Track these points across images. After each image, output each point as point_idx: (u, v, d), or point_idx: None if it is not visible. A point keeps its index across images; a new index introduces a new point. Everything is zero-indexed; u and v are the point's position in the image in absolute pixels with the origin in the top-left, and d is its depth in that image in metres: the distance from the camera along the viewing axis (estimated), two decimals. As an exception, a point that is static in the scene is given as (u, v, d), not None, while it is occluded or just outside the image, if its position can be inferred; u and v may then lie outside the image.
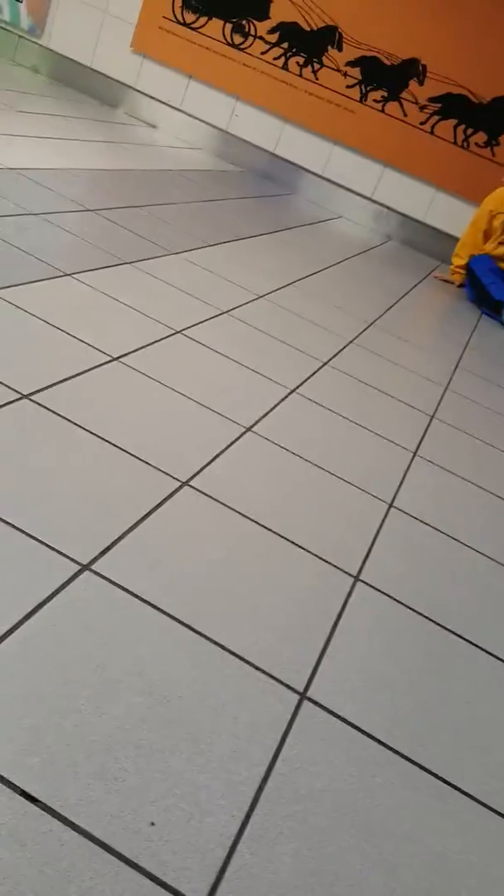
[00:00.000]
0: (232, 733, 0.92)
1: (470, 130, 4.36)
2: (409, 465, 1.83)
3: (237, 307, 2.37)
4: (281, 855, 0.81)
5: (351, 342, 2.51)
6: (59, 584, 1.03)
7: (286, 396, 1.91)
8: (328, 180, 4.71)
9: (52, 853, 0.72)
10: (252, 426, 1.69)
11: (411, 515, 1.60)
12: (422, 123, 4.44)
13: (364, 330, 2.70)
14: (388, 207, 4.65)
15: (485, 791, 1.00)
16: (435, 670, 1.18)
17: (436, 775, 0.99)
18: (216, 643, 1.05)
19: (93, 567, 1.09)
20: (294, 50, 4.56)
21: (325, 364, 2.23)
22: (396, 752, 1.00)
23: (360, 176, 4.64)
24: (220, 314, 2.25)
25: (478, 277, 3.87)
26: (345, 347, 2.44)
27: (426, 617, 1.30)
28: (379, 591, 1.31)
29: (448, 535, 1.59)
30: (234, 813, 0.83)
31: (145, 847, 0.76)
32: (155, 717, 0.90)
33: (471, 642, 1.28)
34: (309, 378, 2.08)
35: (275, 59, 4.61)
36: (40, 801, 0.76)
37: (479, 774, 1.02)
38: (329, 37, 4.48)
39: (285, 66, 4.60)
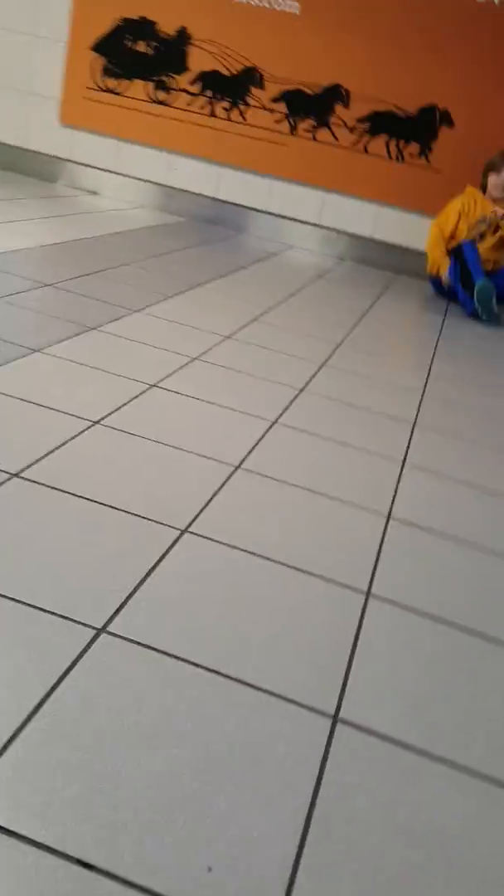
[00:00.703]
0: (272, 767, 0.93)
1: (402, 143, 4.48)
2: (400, 475, 1.85)
3: (206, 351, 2.41)
4: (340, 878, 0.81)
5: (323, 365, 2.55)
6: (78, 652, 1.04)
7: (269, 429, 1.94)
8: (273, 214, 4.80)
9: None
10: (241, 463, 1.71)
11: (410, 523, 1.62)
12: (354, 144, 4.55)
13: (333, 351, 2.74)
14: (335, 230, 4.74)
15: (530, 779, 1.00)
16: (461, 671, 1.19)
17: (482, 775, 1.00)
18: (242, 682, 1.06)
19: (108, 629, 1.10)
20: (218, 96, 4.69)
21: (302, 391, 2.27)
22: (437, 757, 1.01)
23: (303, 204, 4.74)
24: (190, 361, 2.29)
25: (465, 260, 3.88)
26: (317, 371, 2.47)
27: (443, 620, 1.31)
28: (392, 601, 1.33)
29: (450, 537, 1.61)
30: (287, 846, 0.83)
31: (206, 892, 0.76)
32: (194, 765, 0.91)
33: (493, 638, 1.30)
34: (288, 407, 2.11)
35: (201, 108, 4.73)
36: (96, 867, 0.76)
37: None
38: (250, 78, 4.61)
39: (212, 114, 4.72)
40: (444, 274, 4.04)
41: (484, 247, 4.03)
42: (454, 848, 0.88)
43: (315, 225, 4.77)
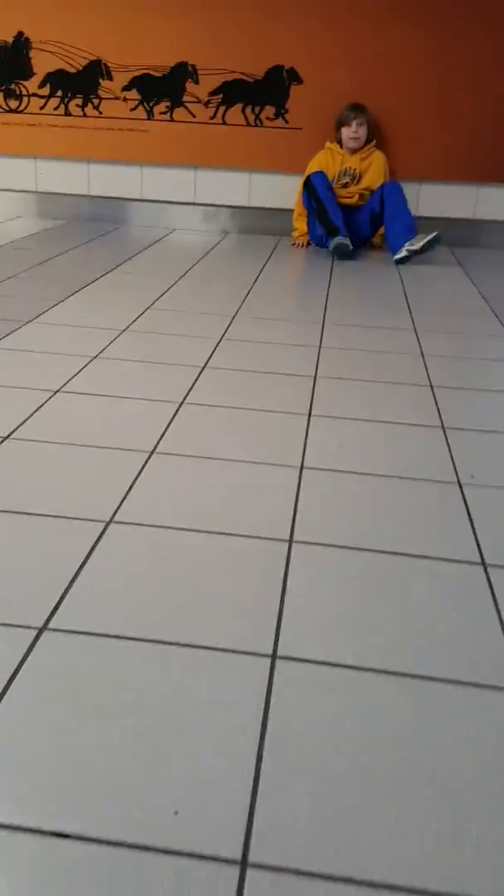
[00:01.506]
0: (220, 714, 1.00)
1: (257, 108, 4.53)
2: (308, 427, 1.93)
3: (105, 348, 2.44)
4: (296, 800, 0.89)
5: (221, 339, 2.61)
6: (23, 653, 1.09)
7: (178, 410, 1.99)
8: (149, 201, 4.82)
9: (95, 866, 0.78)
10: (154, 448, 1.76)
11: (322, 468, 1.71)
12: (212, 118, 4.59)
13: (230, 325, 2.80)
14: (213, 205, 4.78)
15: (457, 672, 1.10)
16: (385, 590, 1.28)
17: (416, 675, 1.09)
18: (183, 644, 1.12)
19: (49, 626, 1.15)
20: (69, 94, 4.66)
21: (204, 368, 2.32)
22: (371, 669, 1.09)
23: (176, 186, 4.76)
24: (91, 360, 2.32)
25: (316, 190, 4.12)
26: (217, 346, 2.53)
27: (364, 548, 1.40)
28: (313, 543, 1.41)
29: (362, 473, 1.70)
30: (244, 779, 0.91)
31: (174, 833, 0.83)
32: (148, 729, 0.97)
33: (412, 555, 1.39)
34: (193, 386, 2.17)
35: (55, 109, 4.70)
36: (71, 835, 0.82)
37: (447, 662, 1.12)
38: (96, 71, 4.59)
39: (67, 112, 4.69)
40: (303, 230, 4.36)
41: (349, 192, 4.26)
42: (398, 747, 0.97)
43: (192, 203, 4.80)
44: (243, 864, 0.81)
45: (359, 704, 1.03)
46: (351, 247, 4.06)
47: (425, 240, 3.97)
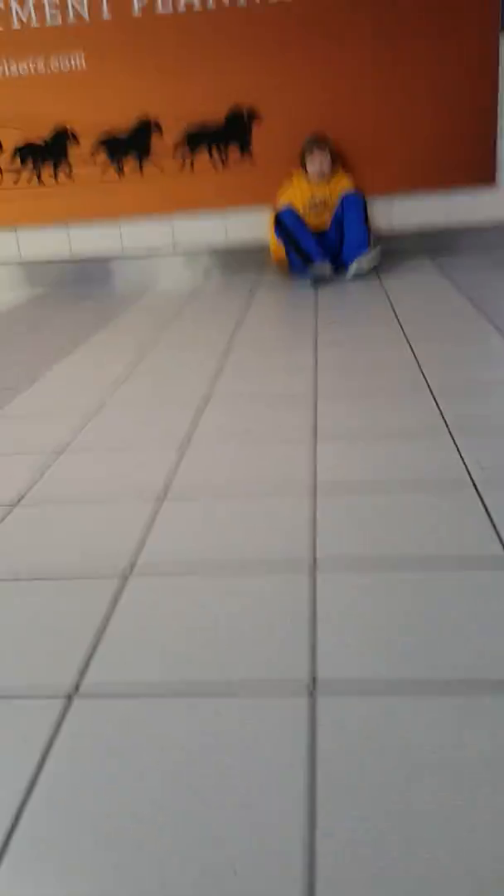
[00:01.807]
0: (266, 759, 0.96)
1: (222, 148, 4.60)
2: (316, 449, 1.90)
3: (105, 403, 2.44)
4: (357, 840, 0.85)
5: (218, 374, 2.60)
6: (54, 723, 1.05)
7: (184, 452, 1.97)
8: (131, 257, 4.87)
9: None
10: (167, 492, 1.74)
11: (336, 488, 1.68)
12: (182, 167, 4.65)
13: (225, 359, 2.80)
14: (193, 251, 4.82)
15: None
16: (416, 601, 1.24)
17: (456, 682, 1.04)
18: (220, 694, 1.08)
19: (80, 691, 1.11)
20: (40, 164, 4.74)
21: (203, 410, 2.31)
22: (411, 681, 1.05)
23: (156, 237, 4.82)
24: (94, 415, 2.31)
25: (287, 227, 4.19)
26: (216, 381, 2.52)
27: (388, 562, 1.36)
28: (337, 563, 1.37)
29: (375, 487, 1.66)
30: (300, 822, 0.86)
31: (237, 892, 0.79)
32: (194, 777, 0.93)
33: (435, 561, 1.35)
34: (194, 430, 2.15)
35: (28, 181, 4.78)
36: (125, 909, 0.78)
37: (493, 664, 1.08)
38: (63, 138, 4.68)
39: (41, 182, 4.77)
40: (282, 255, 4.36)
41: (322, 220, 4.32)
42: (445, 756, 0.92)
43: (173, 252, 4.85)
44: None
45: (405, 717, 0.99)
46: (329, 270, 4.09)
47: (372, 259, 4.12)
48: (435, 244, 4.58)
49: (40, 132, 4.68)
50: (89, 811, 0.91)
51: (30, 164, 4.75)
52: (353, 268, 4.11)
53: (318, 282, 4.09)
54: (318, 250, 4.14)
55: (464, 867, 0.79)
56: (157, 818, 0.89)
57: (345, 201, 4.19)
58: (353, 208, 4.19)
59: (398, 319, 3.17)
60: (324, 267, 4.08)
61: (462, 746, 0.95)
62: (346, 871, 0.80)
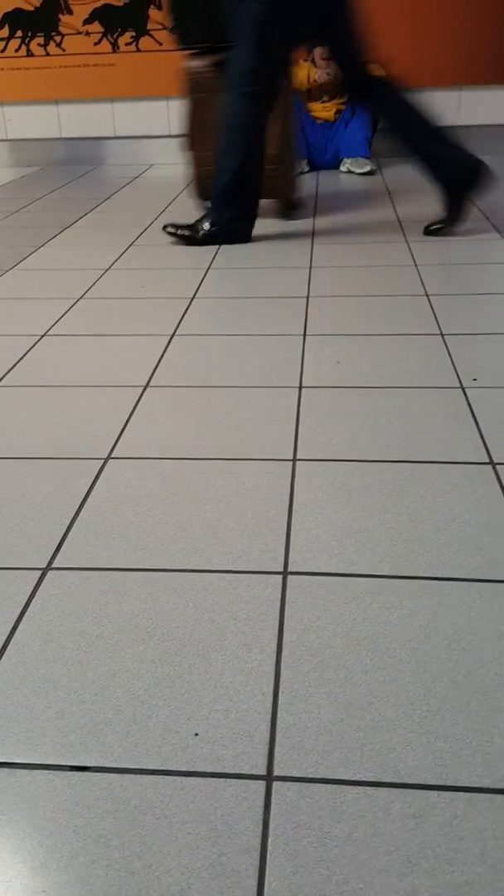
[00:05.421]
0: (235, 633, 0.97)
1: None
2: (304, 346, 1.87)
3: (89, 289, 2.38)
4: (317, 703, 0.87)
5: (209, 269, 2.54)
6: (29, 593, 1.06)
7: (169, 342, 1.94)
8: (124, 137, 4.66)
9: (118, 798, 0.77)
10: (148, 382, 1.72)
11: (320, 386, 1.66)
12: (180, 43, 4.39)
13: (215, 255, 2.72)
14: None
15: (468, 570, 1.07)
16: (391, 498, 1.24)
17: (429, 577, 1.06)
18: (194, 570, 1.09)
19: (53, 565, 1.12)
20: (29, 34, 4.47)
21: (193, 298, 2.26)
22: (384, 576, 1.06)
23: (150, 119, 4.60)
24: (76, 302, 2.26)
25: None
26: (204, 277, 2.46)
27: (367, 460, 1.36)
28: (317, 459, 1.37)
29: (362, 387, 1.65)
30: (264, 690, 0.89)
31: (198, 755, 0.81)
32: (162, 654, 0.95)
33: (418, 461, 1.35)
34: (183, 317, 2.11)
35: (16, 51, 4.51)
36: (90, 767, 0.80)
37: (463, 557, 1.09)
38: (54, 6, 4.39)
39: (29, 53, 4.51)
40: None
41: (325, 106, 4.15)
42: (416, 648, 0.94)
43: (168, 136, 4.64)
44: (268, 778, 0.79)
45: (376, 610, 1.00)
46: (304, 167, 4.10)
47: (366, 169, 4.04)
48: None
49: (29, -2, 4.39)
50: (53, 677, 0.92)
51: (18, 33, 4.47)
52: (345, 168, 4.12)
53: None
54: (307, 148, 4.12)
55: (425, 734, 0.82)
56: (121, 684, 0.90)
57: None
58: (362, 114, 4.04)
59: (399, 219, 3.08)
60: (299, 164, 4.02)
61: (430, 634, 0.97)
62: (303, 737, 0.83)
